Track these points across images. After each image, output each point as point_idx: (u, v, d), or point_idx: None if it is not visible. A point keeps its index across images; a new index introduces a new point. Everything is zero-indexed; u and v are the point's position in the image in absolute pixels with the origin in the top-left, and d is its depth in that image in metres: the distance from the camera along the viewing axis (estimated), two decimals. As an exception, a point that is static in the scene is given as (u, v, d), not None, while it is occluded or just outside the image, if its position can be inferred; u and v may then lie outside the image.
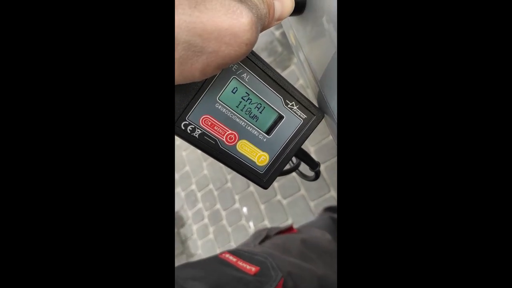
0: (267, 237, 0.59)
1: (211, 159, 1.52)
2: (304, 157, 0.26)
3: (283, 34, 1.31)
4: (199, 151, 1.62)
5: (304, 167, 0.29)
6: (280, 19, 0.19)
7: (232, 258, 0.46)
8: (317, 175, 0.27)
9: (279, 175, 0.24)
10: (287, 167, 0.25)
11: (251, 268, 0.44)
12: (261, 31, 0.17)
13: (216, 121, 0.21)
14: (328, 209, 1.00)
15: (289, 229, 0.65)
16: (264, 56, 1.34)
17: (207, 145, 0.21)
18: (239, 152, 0.22)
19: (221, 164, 1.52)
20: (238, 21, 0.14)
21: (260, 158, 0.23)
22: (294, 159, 0.26)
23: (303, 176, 0.30)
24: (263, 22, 0.17)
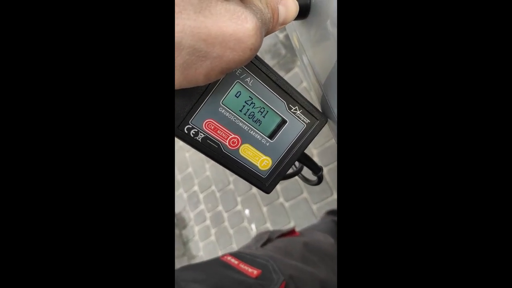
0: (269, 240, 0.59)
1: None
2: (307, 161, 0.26)
3: (287, 37, 1.31)
4: (201, 153, 1.62)
5: (307, 171, 0.29)
6: (284, 23, 0.19)
7: (233, 261, 0.46)
8: (320, 179, 0.27)
9: (282, 179, 0.24)
10: (290, 171, 0.25)
11: (253, 271, 0.43)
12: (265, 35, 0.17)
13: (219, 125, 0.21)
14: (331, 213, 0.99)
15: (291, 232, 0.65)
16: (267, 58, 1.34)
17: (210, 149, 0.21)
18: (242, 156, 0.22)
19: (223, 166, 1.52)
20: (243, 26, 0.14)
21: (262, 162, 0.23)
22: (297, 163, 0.26)
23: (305, 180, 0.30)
24: (267, 27, 0.17)
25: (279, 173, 0.23)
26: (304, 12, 0.23)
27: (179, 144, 1.69)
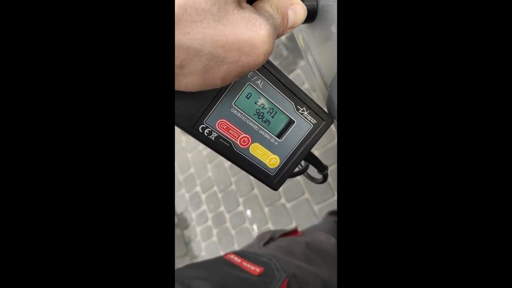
0: (271, 239, 0.59)
1: (216, 161, 1.53)
2: (313, 160, 0.27)
3: (289, 38, 1.32)
4: (204, 153, 1.63)
5: (311, 170, 0.29)
6: (293, 27, 0.19)
7: (236, 259, 0.47)
8: (325, 177, 0.28)
9: (289, 177, 0.25)
10: (296, 169, 0.26)
11: (256, 269, 0.44)
12: (276, 39, 0.18)
13: (231, 125, 0.22)
14: (332, 213, 1.00)
15: (294, 231, 0.65)
16: (270, 59, 1.35)
17: (222, 147, 0.22)
18: (252, 155, 0.23)
19: (225, 166, 1.53)
20: (257, 33, 0.15)
21: (271, 160, 0.24)
22: (303, 162, 0.27)
23: (311, 178, 0.31)
24: (278, 31, 0.18)
25: (286, 171, 0.24)
26: (311, 16, 0.24)
27: (181, 145, 1.70)
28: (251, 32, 0.15)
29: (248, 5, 0.16)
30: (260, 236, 0.61)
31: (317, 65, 0.28)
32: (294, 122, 0.23)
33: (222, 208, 1.49)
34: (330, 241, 0.64)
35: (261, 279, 0.42)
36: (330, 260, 0.57)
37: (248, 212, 1.40)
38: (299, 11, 0.19)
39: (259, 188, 1.35)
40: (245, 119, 0.22)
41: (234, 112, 0.22)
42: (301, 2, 0.19)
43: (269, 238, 0.59)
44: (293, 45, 1.31)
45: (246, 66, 0.16)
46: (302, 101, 0.23)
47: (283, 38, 1.34)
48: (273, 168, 0.24)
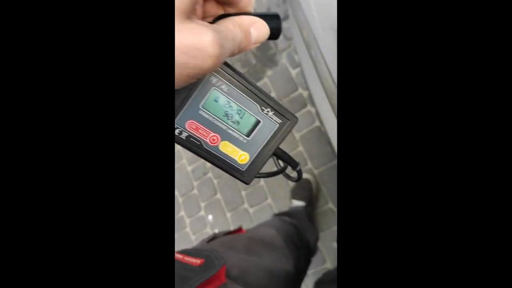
0: (214, 238, 0.63)
1: (177, 165, 1.50)
2: (285, 157, 0.28)
3: (258, 48, 1.36)
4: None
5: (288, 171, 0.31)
6: (257, 42, 0.22)
7: (178, 256, 0.50)
8: (299, 174, 0.30)
9: (267, 177, 0.27)
10: (275, 169, 0.29)
11: (197, 261, 0.47)
12: (240, 52, 0.21)
13: (200, 125, 0.24)
14: (277, 214, 1.06)
15: (238, 230, 0.69)
16: (237, 66, 1.37)
17: (193, 145, 0.24)
18: (222, 152, 0.25)
19: (187, 170, 1.50)
20: (200, 38, 0.17)
21: (241, 157, 0.26)
22: (281, 163, 0.29)
23: (288, 177, 0.32)
24: (239, 45, 0.20)
25: (256, 167, 0.26)
26: (276, 35, 0.26)
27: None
28: (194, 38, 0.17)
29: (198, 20, 0.18)
30: (205, 238, 0.65)
31: (330, 73, 0.30)
32: (260, 122, 0.25)
33: (182, 213, 1.46)
34: (271, 233, 0.69)
35: (202, 268, 0.45)
36: (272, 249, 0.62)
37: (210, 217, 1.39)
38: (262, 29, 0.22)
39: (222, 193, 1.35)
40: (213, 120, 0.24)
41: (202, 114, 0.24)
42: (263, 21, 0.22)
43: (212, 237, 0.62)
44: (261, 54, 1.35)
45: (196, 68, 0.18)
46: (266, 103, 0.25)
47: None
48: (243, 164, 0.26)
